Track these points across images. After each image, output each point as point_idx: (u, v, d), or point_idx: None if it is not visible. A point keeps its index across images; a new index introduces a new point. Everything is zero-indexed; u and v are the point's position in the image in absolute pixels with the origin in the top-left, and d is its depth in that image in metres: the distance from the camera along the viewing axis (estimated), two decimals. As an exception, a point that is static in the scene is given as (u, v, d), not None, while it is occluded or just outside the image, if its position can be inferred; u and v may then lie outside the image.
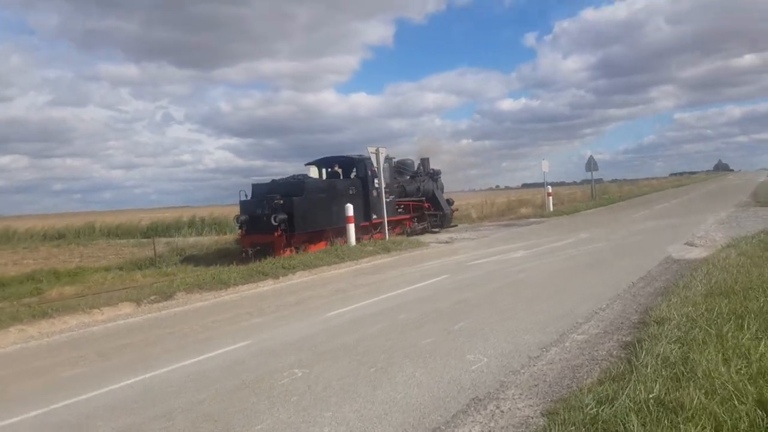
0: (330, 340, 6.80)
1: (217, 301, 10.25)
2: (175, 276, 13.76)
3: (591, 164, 37.23)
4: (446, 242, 18.70)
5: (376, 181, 19.03)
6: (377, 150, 17.71)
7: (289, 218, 15.28)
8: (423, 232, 21.72)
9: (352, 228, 16.64)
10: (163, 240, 23.60)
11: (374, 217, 18.68)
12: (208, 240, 22.49)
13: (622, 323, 6.70)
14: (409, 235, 20.76)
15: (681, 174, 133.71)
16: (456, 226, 24.30)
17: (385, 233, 17.76)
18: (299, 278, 12.32)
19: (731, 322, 5.61)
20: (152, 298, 9.91)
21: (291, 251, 15.32)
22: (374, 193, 18.74)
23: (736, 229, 15.54)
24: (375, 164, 17.69)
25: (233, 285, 11.20)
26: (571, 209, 29.99)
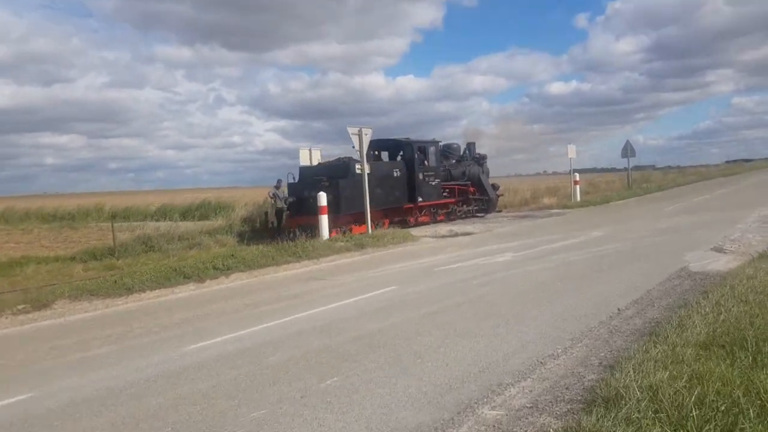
0: (130, 401, 4.83)
1: (104, 313, 8.43)
2: (120, 270, 12.15)
3: (628, 150, 34.04)
4: (442, 236, 16.49)
5: (425, 162, 19.62)
6: (360, 131, 15.54)
7: (336, 199, 15.64)
8: (468, 216, 21.75)
9: (324, 220, 14.65)
10: (153, 224, 22.21)
11: (420, 200, 19.02)
12: (194, 226, 20.90)
13: (566, 389, 4.47)
14: (453, 219, 21.01)
15: (737, 161, 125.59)
16: (500, 211, 24.07)
17: (368, 226, 15.65)
18: (231, 282, 10.40)
19: (716, 419, 3.34)
20: (20, 307, 8.15)
21: (336, 232, 15.68)
22: (420, 176, 18.93)
23: (781, 231, 12.83)
24: (357, 146, 15.54)
25: (138, 291, 9.36)
26: (601, 199, 27.12)
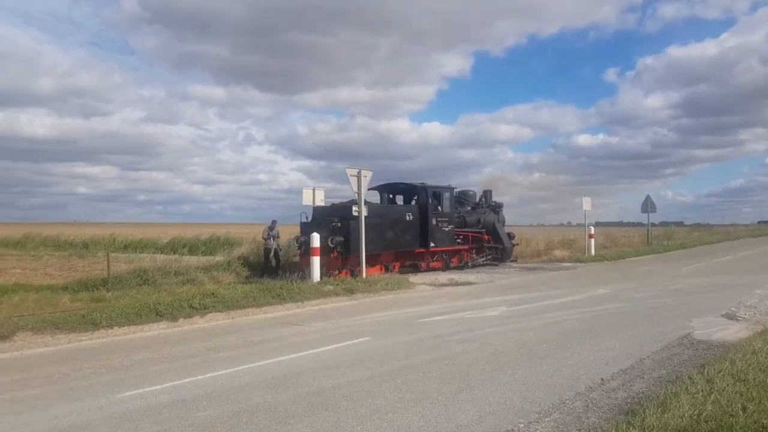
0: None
1: (64, 349, 7.96)
2: (105, 302, 11.77)
3: (648, 205, 33.15)
4: (441, 285, 15.86)
5: (439, 207, 19.48)
6: (359, 172, 15.20)
7: (345, 241, 15.69)
8: (481, 264, 21.37)
9: (316, 262, 14.17)
10: (155, 257, 21.97)
11: (432, 245, 18.80)
12: (196, 261, 20.57)
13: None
14: (466, 266, 20.61)
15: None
16: (515, 260, 23.65)
17: (362, 270, 15.10)
18: (205, 322, 9.89)
19: None
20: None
21: (346, 273, 15.79)
22: (434, 221, 18.77)
23: (802, 299, 11.94)
24: (356, 188, 15.15)
25: (106, 327, 8.91)
26: (616, 255, 26.18)
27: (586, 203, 25.94)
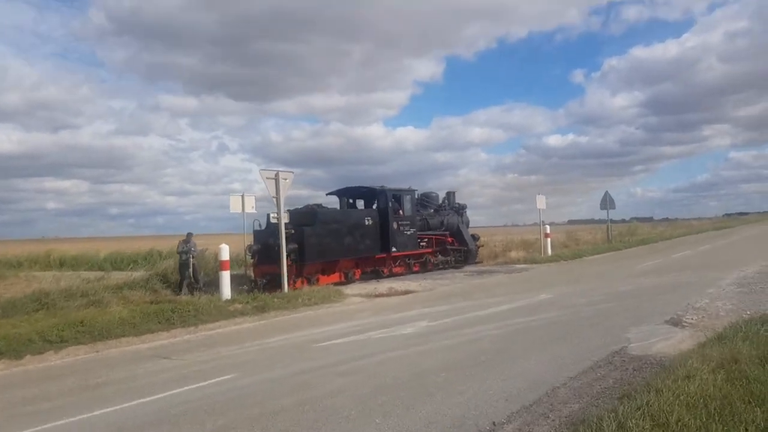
0: None
1: None
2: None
3: (606, 202, 32.27)
4: (376, 295, 14.43)
5: (400, 211, 18.87)
6: (276, 174, 13.69)
7: (300, 248, 14.98)
8: (445, 267, 20.78)
9: (225, 277, 12.59)
10: (91, 275, 20.09)
11: (394, 249, 18.09)
12: (121, 277, 18.75)
13: None
14: (429, 269, 20.04)
15: (736, 215, 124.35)
16: (481, 262, 23.20)
17: (283, 284, 13.55)
18: (59, 359, 8.24)
19: None
20: None
21: (302, 282, 15.10)
22: (395, 225, 18.14)
23: (759, 297, 10.85)
24: (273, 193, 13.63)
25: None
26: (573, 254, 25.10)
27: (540, 201, 24.82)
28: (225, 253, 12.64)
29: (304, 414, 5.16)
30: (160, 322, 10.04)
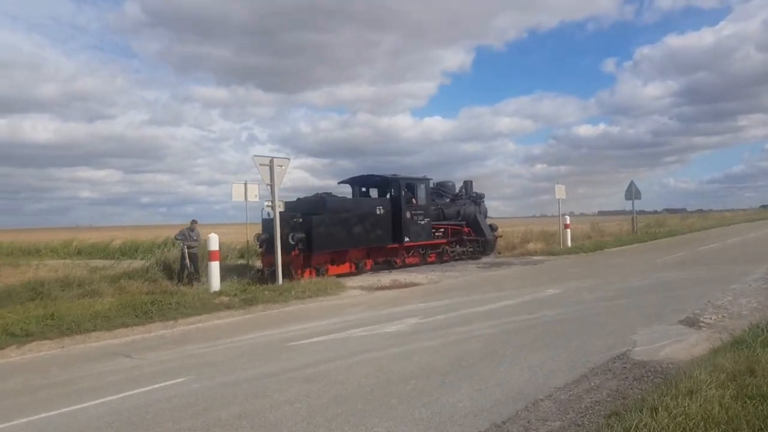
0: None
1: None
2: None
3: (632, 192, 30.93)
4: (376, 288, 13.77)
5: (414, 200, 18.39)
6: (271, 161, 13.06)
7: (308, 237, 14.52)
8: (461, 258, 20.24)
9: (214, 268, 12.04)
10: (101, 263, 19.88)
11: (407, 239, 17.55)
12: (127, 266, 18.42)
13: None
14: (446, 260, 19.50)
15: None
16: (500, 253, 22.68)
17: (278, 276, 12.96)
18: (22, 355, 7.76)
19: None
20: None
21: (310, 272, 14.67)
22: (408, 214, 17.59)
23: (786, 296, 9.84)
24: (267, 180, 13.01)
25: None
26: (594, 246, 23.98)
27: (559, 191, 23.75)
28: (214, 243, 12.08)
29: (239, 430, 4.50)
30: (137, 316, 9.52)
